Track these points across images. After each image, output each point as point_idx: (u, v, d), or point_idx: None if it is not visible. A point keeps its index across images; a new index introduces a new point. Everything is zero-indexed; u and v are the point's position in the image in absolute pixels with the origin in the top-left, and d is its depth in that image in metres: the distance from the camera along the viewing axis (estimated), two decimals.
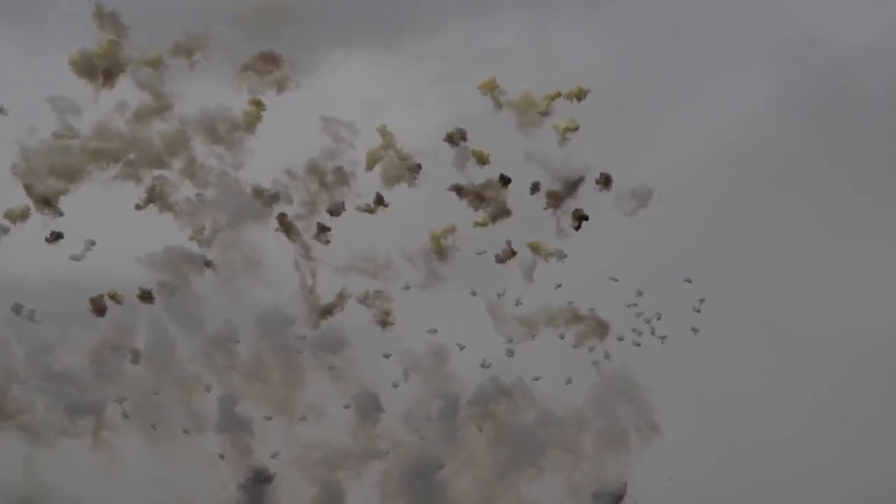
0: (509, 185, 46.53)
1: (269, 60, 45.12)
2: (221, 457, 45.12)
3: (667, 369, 48.23)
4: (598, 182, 46.62)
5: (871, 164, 55.99)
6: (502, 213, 46.57)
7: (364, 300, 46.40)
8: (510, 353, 47.00)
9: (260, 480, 45.38)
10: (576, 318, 47.56)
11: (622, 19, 55.98)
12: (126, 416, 44.75)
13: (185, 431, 44.87)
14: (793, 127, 55.41)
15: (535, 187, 46.57)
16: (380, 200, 46.52)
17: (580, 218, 46.76)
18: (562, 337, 47.41)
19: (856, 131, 56.03)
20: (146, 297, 44.91)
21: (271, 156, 45.41)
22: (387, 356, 46.35)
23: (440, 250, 46.37)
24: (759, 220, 54.35)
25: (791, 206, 54.67)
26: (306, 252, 46.17)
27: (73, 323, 44.86)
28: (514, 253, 46.75)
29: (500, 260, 46.71)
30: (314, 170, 45.87)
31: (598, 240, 46.53)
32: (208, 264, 45.25)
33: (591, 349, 47.11)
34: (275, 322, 45.54)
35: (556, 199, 46.61)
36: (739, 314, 50.06)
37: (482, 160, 46.14)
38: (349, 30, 48.08)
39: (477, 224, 46.53)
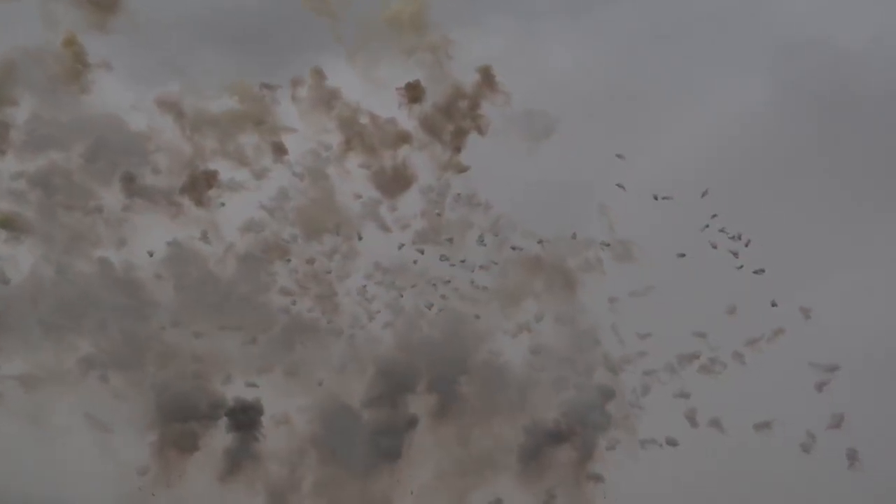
0: (422, 98, 43.48)
1: None
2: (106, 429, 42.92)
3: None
4: (478, 80, 43.15)
5: (871, 164, 55.83)
6: (408, 180, 43.79)
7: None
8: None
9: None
10: (535, 263, 45.81)
11: (619, 20, 56.45)
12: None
13: (86, 370, 42.40)
14: (792, 127, 55.40)
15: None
16: (280, 151, 43.70)
17: (464, 132, 42.86)
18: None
19: (855, 131, 55.90)
20: (7, 223, 40.82)
21: None
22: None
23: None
24: (758, 220, 54.26)
25: (790, 207, 54.57)
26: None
27: None
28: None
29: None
30: (165, 104, 42.04)
31: None
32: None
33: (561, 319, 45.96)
34: (186, 258, 43.15)
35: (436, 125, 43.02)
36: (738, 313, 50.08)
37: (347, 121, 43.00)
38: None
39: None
